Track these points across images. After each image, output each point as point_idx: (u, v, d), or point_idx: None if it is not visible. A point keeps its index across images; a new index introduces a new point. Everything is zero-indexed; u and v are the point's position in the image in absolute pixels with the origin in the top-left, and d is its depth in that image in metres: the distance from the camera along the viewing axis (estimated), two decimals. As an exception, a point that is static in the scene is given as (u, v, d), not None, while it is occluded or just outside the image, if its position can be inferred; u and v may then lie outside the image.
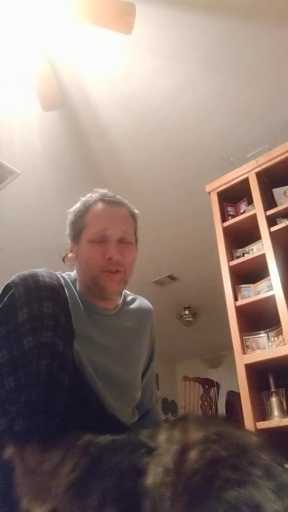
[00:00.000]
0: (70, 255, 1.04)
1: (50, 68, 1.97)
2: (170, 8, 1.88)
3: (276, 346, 1.92)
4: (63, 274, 1.03)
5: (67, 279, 1.01)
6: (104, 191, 1.06)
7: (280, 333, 1.92)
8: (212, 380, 4.54)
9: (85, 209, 1.02)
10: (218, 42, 2.02)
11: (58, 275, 0.96)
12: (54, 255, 3.66)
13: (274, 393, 1.93)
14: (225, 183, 2.41)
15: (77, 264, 1.02)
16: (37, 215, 3.17)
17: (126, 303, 1.11)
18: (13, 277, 0.78)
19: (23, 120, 2.42)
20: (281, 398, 1.93)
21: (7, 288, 0.76)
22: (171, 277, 4.08)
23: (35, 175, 2.81)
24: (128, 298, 1.14)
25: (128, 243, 0.99)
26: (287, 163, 2.21)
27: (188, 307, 4.67)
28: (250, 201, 2.31)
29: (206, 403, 4.20)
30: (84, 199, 1.06)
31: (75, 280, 1.03)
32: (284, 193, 2.21)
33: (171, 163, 2.73)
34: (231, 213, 2.39)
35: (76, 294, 0.99)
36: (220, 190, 2.43)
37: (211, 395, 4.31)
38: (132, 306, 1.13)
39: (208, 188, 2.49)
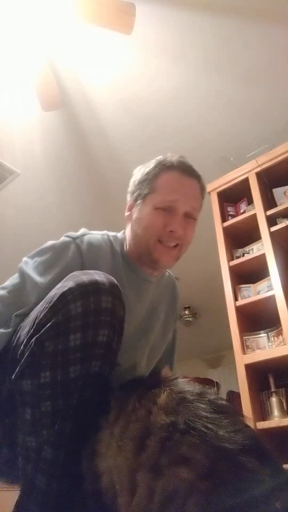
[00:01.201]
0: (126, 214, 0.99)
1: (50, 68, 1.97)
2: (170, 8, 1.88)
3: (276, 346, 1.92)
4: (111, 237, 0.98)
5: (114, 242, 0.97)
6: (181, 156, 0.99)
7: (280, 333, 1.92)
8: (212, 380, 4.54)
9: (159, 172, 0.95)
10: (218, 43, 2.02)
11: (109, 240, 0.94)
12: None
13: (274, 393, 1.93)
14: (225, 183, 2.41)
15: (132, 225, 0.96)
16: (37, 215, 3.17)
17: (163, 278, 1.09)
18: (71, 283, 0.67)
19: (23, 120, 2.42)
20: (281, 398, 1.93)
21: (63, 297, 0.66)
22: (171, 277, 4.08)
23: (35, 175, 2.81)
24: (168, 273, 1.12)
25: (193, 219, 0.96)
26: (287, 163, 2.21)
27: (188, 307, 4.67)
28: (250, 201, 2.31)
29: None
30: (159, 159, 0.98)
31: (123, 240, 0.99)
32: (284, 193, 2.21)
33: (171, 163, 2.73)
34: (231, 213, 2.39)
35: (121, 257, 0.96)
36: (220, 190, 2.43)
37: (211, 395, 4.31)
38: (166, 277, 1.13)
39: (208, 188, 2.49)
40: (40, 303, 0.73)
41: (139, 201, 0.95)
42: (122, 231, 1.02)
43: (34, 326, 0.69)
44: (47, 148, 2.61)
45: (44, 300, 0.71)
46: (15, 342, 0.75)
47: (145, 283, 0.99)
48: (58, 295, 0.67)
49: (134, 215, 0.96)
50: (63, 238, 0.94)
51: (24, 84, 2.20)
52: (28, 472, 0.67)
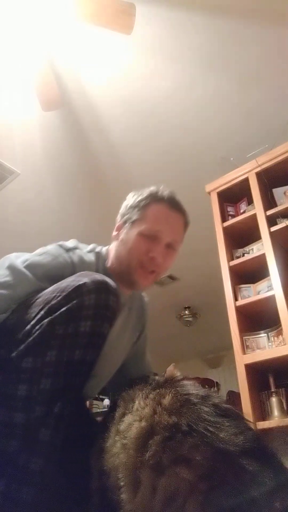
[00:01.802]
0: (114, 233, 1.08)
1: (50, 68, 1.97)
2: (170, 8, 1.88)
3: (276, 346, 1.92)
4: (97, 254, 1.05)
5: (99, 259, 1.04)
6: (171, 192, 1.08)
7: (280, 333, 1.92)
8: (212, 380, 4.54)
9: (150, 202, 1.03)
10: (218, 42, 2.02)
11: (95, 257, 1.02)
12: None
13: (274, 393, 1.93)
14: (225, 183, 2.41)
15: (118, 244, 1.04)
16: (37, 214, 3.17)
17: (134, 295, 1.15)
18: (85, 279, 0.77)
19: (23, 120, 2.42)
20: (281, 398, 1.93)
21: (78, 288, 0.75)
22: (171, 277, 4.08)
23: (35, 175, 2.81)
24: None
25: (174, 250, 1.04)
26: (287, 163, 2.21)
27: (188, 307, 4.67)
28: (250, 201, 2.31)
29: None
30: (152, 190, 1.06)
31: (106, 255, 1.06)
32: (284, 193, 2.21)
33: (171, 163, 2.73)
34: (231, 213, 2.39)
35: (103, 274, 0.99)
36: (220, 190, 2.43)
37: (211, 395, 4.31)
38: (138, 300, 1.19)
39: (208, 188, 2.49)
40: (50, 291, 0.80)
41: (127, 224, 1.04)
42: (106, 247, 1.09)
43: (45, 309, 0.76)
44: (47, 148, 2.61)
45: (54, 289, 0.79)
46: (13, 323, 0.80)
47: (123, 301, 1.04)
48: (73, 286, 0.75)
49: (121, 236, 1.04)
50: (56, 246, 0.99)
51: (24, 84, 2.20)
52: (11, 451, 0.68)
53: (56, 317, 0.74)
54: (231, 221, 2.32)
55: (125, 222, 1.05)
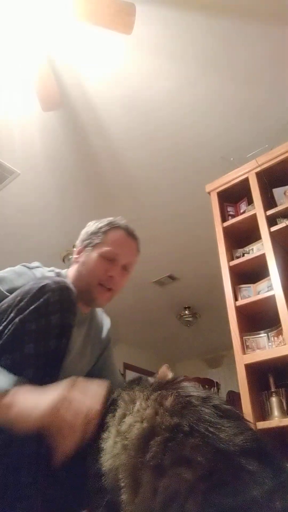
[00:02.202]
0: (75, 256, 1.19)
1: (50, 68, 1.97)
2: (170, 8, 1.88)
3: (276, 346, 1.92)
4: (57, 271, 1.17)
5: (60, 275, 1.15)
6: (126, 222, 1.22)
7: (280, 333, 1.91)
8: (212, 380, 4.54)
9: (110, 229, 1.17)
10: (218, 42, 2.02)
11: (57, 271, 1.15)
12: (54, 255, 3.67)
13: (274, 393, 1.93)
14: (225, 183, 2.41)
15: (77, 267, 1.16)
16: (37, 215, 3.17)
17: (93, 313, 1.26)
18: (46, 281, 0.87)
19: (23, 120, 2.42)
20: (281, 398, 1.93)
21: (42, 288, 0.86)
22: (171, 277, 4.08)
23: (35, 175, 2.81)
24: (97, 310, 1.30)
25: (128, 272, 1.17)
26: (287, 163, 2.21)
27: (188, 307, 4.67)
28: (250, 201, 2.30)
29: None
30: (111, 219, 1.21)
31: (66, 276, 1.17)
32: (284, 193, 2.21)
33: (171, 163, 2.73)
34: (231, 213, 2.39)
35: None
36: (220, 190, 2.43)
37: (211, 395, 4.31)
38: (97, 313, 1.29)
39: (208, 188, 2.49)
40: (13, 297, 0.89)
41: (88, 248, 1.16)
42: (65, 270, 1.21)
43: (14, 311, 0.85)
44: (47, 148, 2.61)
45: (17, 294, 0.88)
46: None
47: (81, 322, 1.16)
48: (37, 288, 0.85)
49: (82, 259, 1.16)
50: (20, 266, 1.10)
51: (24, 84, 2.20)
52: None
53: (26, 315, 0.83)
54: (231, 221, 2.32)
55: (86, 246, 1.17)
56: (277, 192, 2.23)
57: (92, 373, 1.23)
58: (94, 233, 1.18)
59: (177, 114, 2.39)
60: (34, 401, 0.69)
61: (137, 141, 2.57)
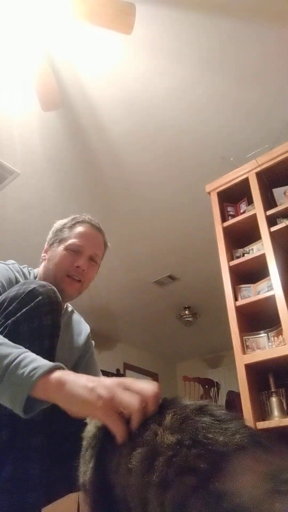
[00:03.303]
0: (42, 256, 1.22)
1: (50, 68, 1.97)
2: (171, 8, 1.88)
3: (276, 346, 1.92)
4: (29, 269, 1.20)
5: (31, 274, 1.17)
6: (89, 216, 1.24)
7: (280, 333, 1.92)
8: (212, 380, 4.54)
9: (74, 224, 1.20)
10: (218, 42, 2.02)
11: (28, 271, 1.17)
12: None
13: (274, 393, 1.93)
14: (225, 183, 2.41)
15: (45, 264, 1.18)
16: (37, 215, 3.17)
17: (69, 313, 1.27)
18: (33, 285, 0.89)
19: (23, 120, 2.42)
20: (281, 398, 1.93)
21: (31, 292, 0.88)
22: (171, 277, 4.08)
23: (35, 175, 2.81)
24: (71, 310, 1.31)
25: (95, 263, 1.18)
26: (287, 163, 2.21)
27: (188, 307, 4.67)
28: (250, 201, 2.31)
29: (206, 403, 4.20)
30: (75, 216, 1.24)
31: (36, 274, 1.19)
32: (284, 193, 2.21)
33: (171, 163, 2.73)
34: (231, 213, 2.39)
35: None
36: (220, 190, 2.43)
37: (211, 395, 4.32)
38: (75, 318, 1.30)
39: (208, 188, 2.49)
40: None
41: (54, 244, 1.19)
42: (36, 269, 1.22)
43: (3, 316, 0.86)
44: (47, 148, 2.61)
45: (4, 299, 0.89)
46: None
47: None
48: (25, 292, 0.87)
49: (48, 255, 1.19)
50: (2, 262, 1.13)
51: (24, 84, 2.20)
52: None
53: (19, 318, 0.85)
54: (231, 221, 2.32)
55: (51, 244, 1.20)
56: (277, 192, 2.23)
57: None
58: (59, 230, 1.21)
59: (177, 114, 2.39)
60: (85, 381, 0.64)
61: (136, 141, 2.57)
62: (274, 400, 1.91)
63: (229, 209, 2.41)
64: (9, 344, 0.74)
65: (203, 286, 4.13)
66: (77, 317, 1.32)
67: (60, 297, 0.92)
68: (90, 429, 0.68)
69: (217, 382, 4.55)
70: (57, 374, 0.65)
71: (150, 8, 1.88)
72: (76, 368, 1.25)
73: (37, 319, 0.86)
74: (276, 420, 1.83)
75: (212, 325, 4.79)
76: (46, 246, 1.23)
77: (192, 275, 4.04)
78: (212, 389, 4.40)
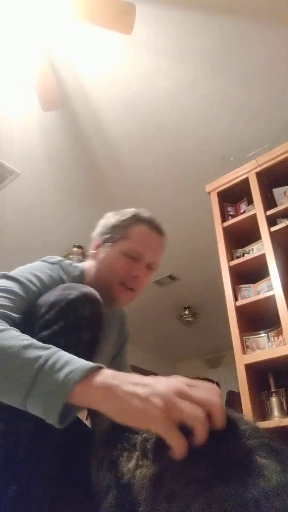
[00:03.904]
0: (92, 252, 1.08)
1: (50, 68, 1.97)
2: (171, 8, 1.88)
3: (276, 346, 1.92)
4: (80, 266, 1.07)
5: (81, 273, 1.05)
6: (152, 215, 1.10)
7: (280, 333, 1.92)
8: (212, 380, 4.54)
9: (133, 223, 1.05)
10: (218, 43, 2.02)
11: (80, 267, 1.05)
12: (54, 255, 3.66)
13: (274, 393, 1.93)
14: (225, 183, 2.41)
15: (95, 263, 1.06)
16: (37, 215, 3.17)
17: (112, 310, 1.17)
18: (76, 292, 0.80)
19: (23, 120, 2.42)
20: (281, 398, 1.93)
21: (72, 303, 0.79)
22: (171, 277, 4.08)
23: (35, 175, 2.81)
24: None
25: (152, 270, 1.07)
26: (287, 163, 2.21)
27: (188, 307, 4.67)
28: (250, 201, 2.31)
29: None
30: (134, 212, 1.08)
31: (83, 272, 1.06)
32: (284, 193, 2.21)
33: (171, 164, 2.73)
34: (231, 213, 2.39)
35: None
36: (220, 190, 2.43)
37: (211, 395, 4.31)
38: (116, 313, 1.20)
39: (208, 188, 2.49)
40: (39, 306, 0.81)
41: (108, 243, 1.05)
42: (81, 264, 1.10)
43: (40, 325, 0.77)
44: (47, 148, 2.61)
45: (42, 304, 0.81)
46: None
47: None
48: (65, 301, 0.78)
49: (101, 255, 1.05)
50: (40, 262, 1.01)
51: (24, 84, 2.20)
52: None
53: (54, 331, 0.76)
54: (231, 221, 2.32)
55: (105, 241, 1.06)
56: (277, 192, 2.24)
57: None
58: (115, 227, 1.06)
59: (177, 114, 2.39)
60: (135, 386, 0.55)
61: (137, 141, 2.57)
62: (274, 400, 1.91)
63: (229, 209, 2.41)
64: (37, 345, 0.64)
65: (203, 286, 4.13)
66: (118, 312, 1.22)
67: (102, 307, 0.83)
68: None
69: (217, 382, 4.54)
70: (99, 379, 0.57)
71: (151, 8, 1.88)
72: (111, 361, 1.19)
73: (75, 334, 0.77)
74: (276, 420, 1.83)
75: (212, 325, 4.79)
76: (97, 240, 1.08)
77: (192, 275, 4.04)
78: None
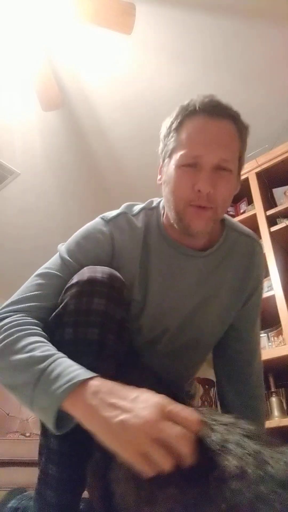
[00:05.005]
0: (158, 177, 0.92)
1: (50, 67, 1.97)
2: (171, 7, 1.88)
3: (276, 346, 1.92)
4: (152, 206, 0.94)
5: (149, 219, 0.91)
6: (207, 96, 0.82)
7: (280, 333, 1.91)
8: (212, 380, 4.53)
9: (181, 120, 0.82)
10: (218, 42, 2.02)
11: (151, 207, 0.92)
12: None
13: (274, 393, 1.93)
14: (225, 183, 2.40)
15: (164, 190, 0.88)
16: (37, 215, 3.17)
17: (225, 244, 0.93)
18: (80, 288, 0.73)
19: (23, 120, 2.42)
20: (281, 398, 1.93)
21: (78, 296, 0.73)
22: (171, 277, 4.08)
23: (35, 175, 2.81)
24: (231, 237, 0.94)
25: (226, 171, 0.80)
26: (287, 163, 2.20)
27: (188, 307, 4.66)
28: (250, 201, 2.30)
29: (206, 403, 4.20)
30: (182, 104, 0.83)
31: (160, 211, 0.92)
32: (284, 193, 2.21)
33: (171, 163, 2.73)
34: (231, 213, 2.39)
35: (157, 235, 0.90)
36: (220, 190, 2.42)
37: (211, 395, 4.31)
38: (232, 248, 0.94)
39: (208, 188, 2.49)
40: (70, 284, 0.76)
41: (166, 160, 0.86)
42: (161, 199, 0.94)
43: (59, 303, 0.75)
44: (47, 148, 2.61)
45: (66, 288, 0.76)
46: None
47: (187, 258, 0.89)
48: (82, 282, 0.73)
49: (163, 177, 0.87)
50: (96, 220, 0.92)
51: (24, 84, 2.20)
52: None
53: (65, 323, 0.73)
54: (231, 221, 2.32)
55: (163, 159, 0.88)
56: (277, 192, 2.23)
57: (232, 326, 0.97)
58: (166, 135, 0.88)
59: (177, 114, 2.39)
60: (114, 406, 0.53)
61: (137, 141, 2.57)
62: (274, 400, 1.91)
63: (229, 209, 2.41)
64: (36, 359, 0.63)
65: (203, 286, 4.13)
66: (244, 243, 0.96)
67: (121, 289, 0.74)
68: None
69: (217, 382, 4.53)
70: (81, 397, 0.56)
71: (152, 8, 1.88)
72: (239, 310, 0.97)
73: (82, 329, 0.71)
74: (276, 420, 1.83)
75: (212, 325, 4.78)
76: (160, 162, 0.91)
77: (192, 275, 4.04)
78: (212, 389, 4.39)
